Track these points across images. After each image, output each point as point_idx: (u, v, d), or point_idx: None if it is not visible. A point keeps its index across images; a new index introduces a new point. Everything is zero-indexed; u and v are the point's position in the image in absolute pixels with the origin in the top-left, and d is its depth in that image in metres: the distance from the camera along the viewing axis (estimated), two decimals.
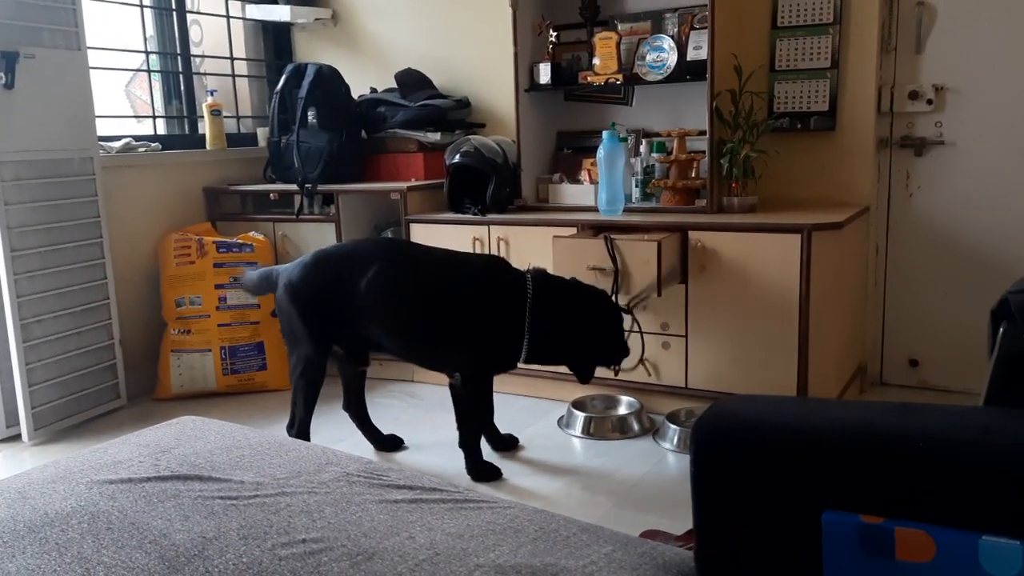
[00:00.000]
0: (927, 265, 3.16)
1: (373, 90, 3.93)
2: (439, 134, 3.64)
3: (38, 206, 2.98)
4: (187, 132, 4.02)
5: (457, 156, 3.34)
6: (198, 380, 3.45)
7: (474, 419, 2.63)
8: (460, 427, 2.60)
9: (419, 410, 3.25)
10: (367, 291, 2.51)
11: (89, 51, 3.17)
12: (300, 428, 2.65)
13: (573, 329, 2.55)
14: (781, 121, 3.18)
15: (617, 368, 2.79)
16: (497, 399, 3.06)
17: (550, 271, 2.67)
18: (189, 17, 4.04)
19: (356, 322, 2.57)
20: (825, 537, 0.98)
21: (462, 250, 2.74)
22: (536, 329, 2.51)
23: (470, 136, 3.49)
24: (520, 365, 2.62)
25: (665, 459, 2.70)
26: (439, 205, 3.50)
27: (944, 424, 1.01)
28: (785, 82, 3.20)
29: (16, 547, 1.22)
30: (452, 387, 2.60)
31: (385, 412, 3.21)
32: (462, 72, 3.84)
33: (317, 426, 2.86)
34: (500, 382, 3.25)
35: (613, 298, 2.72)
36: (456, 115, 3.77)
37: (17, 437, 3.01)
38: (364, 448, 2.81)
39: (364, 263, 2.55)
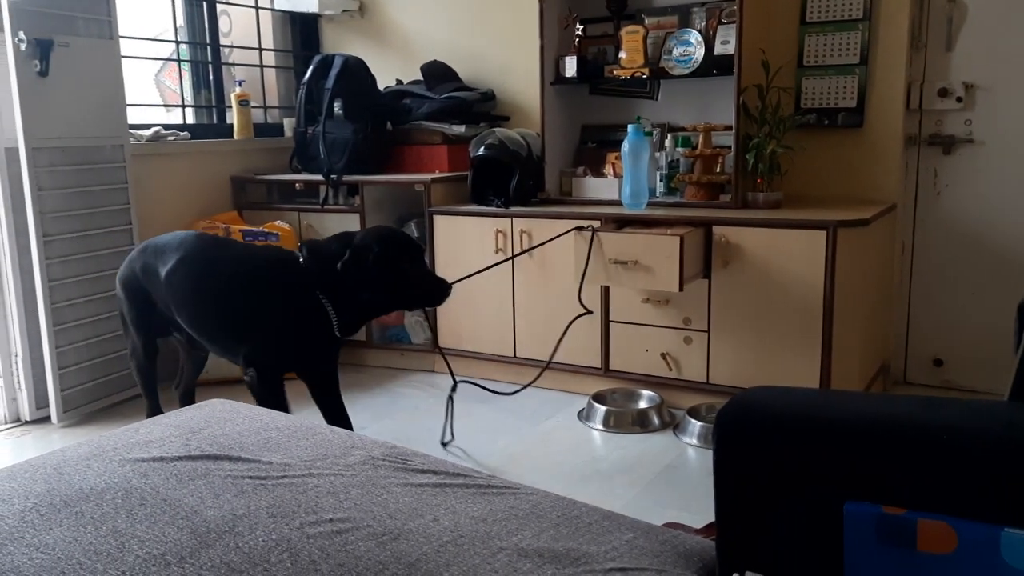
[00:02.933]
0: (953, 264, 3.14)
1: (399, 82, 3.95)
2: (464, 126, 3.66)
3: (70, 192, 3.03)
4: (215, 121, 4.07)
5: (481, 148, 3.36)
6: (223, 366, 3.48)
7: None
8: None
9: (439, 400, 3.27)
10: (166, 282, 2.54)
11: (121, 40, 3.22)
12: (149, 412, 2.74)
13: (365, 272, 2.38)
14: (808, 117, 3.17)
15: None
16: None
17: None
18: (218, 7, 4.09)
19: (168, 311, 2.60)
20: (846, 527, 0.99)
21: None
22: (335, 294, 2.39)
23: (495, 129, 3.51)
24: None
25: (685, 454, 2.70)
26: (463, 197, 3.51)
27: (968, 417, 1.02)
28: (813, 78, 3.18)
29: (53, 520, 1.25)
30: (248, 383, 2.49)
31: (406, 401, 3.25)
32: (488, 65, 3.86)
33: None
34: (521, 375, 3.28)
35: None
36: (481, 108, 3.79)
37: (47, 419, 3.08)
38: (387, 436, 2.84)
39: (169, 254, 2.56)
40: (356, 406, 2.98)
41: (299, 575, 1.10)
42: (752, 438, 1.07)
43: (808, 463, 1.04)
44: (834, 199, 3.17)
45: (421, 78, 3.80)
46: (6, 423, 3.09)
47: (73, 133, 3.04)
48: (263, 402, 2.45)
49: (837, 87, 3.14)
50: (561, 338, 3.02)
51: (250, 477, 1.39)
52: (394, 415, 3.09)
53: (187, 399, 2.91)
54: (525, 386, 2.98)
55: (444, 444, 2.77)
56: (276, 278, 2.46)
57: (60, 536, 1.21)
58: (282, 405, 2.50)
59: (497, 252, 3.30)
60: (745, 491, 1.08)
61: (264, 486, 1.36)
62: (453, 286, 2.53)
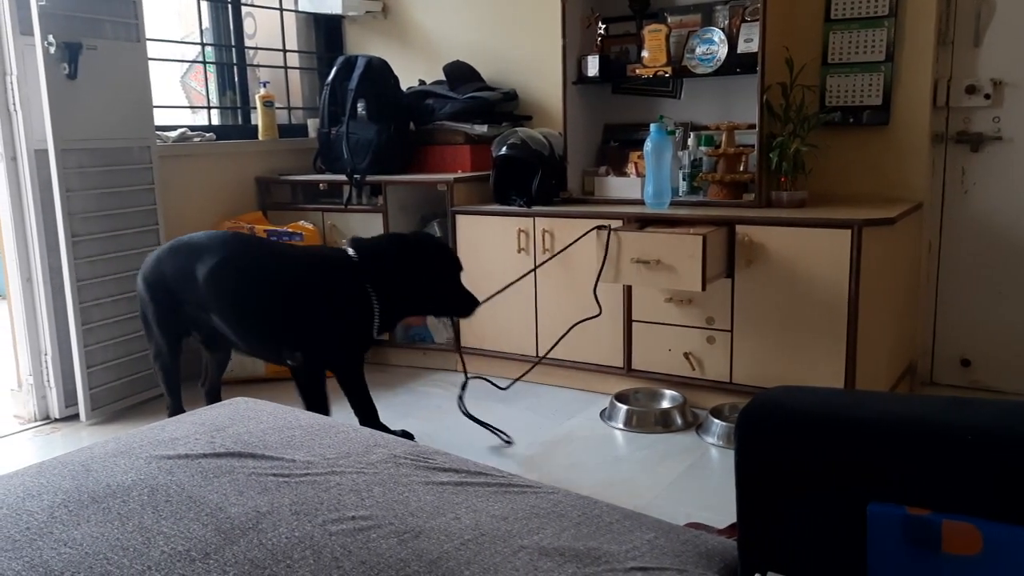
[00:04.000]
0: (981, 263, 3.09)
1: (422, 82, 3.97)
2: (486, 126, 3.66)
3: (98, 193, 3.08)
4: (240, 123, 4.11)
5: (504, 148, 3.36)
6: (247, 365, 3.53)
7: (318, 397, 2.67)
8: (314, 409, 2.62)
9: None
10: (205, 282, 2.57)
11: (148, 43, 3.26)
12: (171, 411, 2.78)
13: (414, 274, 2.61)
14: (833, 115, 3.14)
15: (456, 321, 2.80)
16: (540, 391, 3.07)
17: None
18: (243, 10, 4.12)
19: (201, 311, 2.64)
20: (870, 528, 0.98)
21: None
22: (381, 290, 2.56)
23: (517, 128, 3.51)
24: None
25: (708, 453, 2.69)
26: (485, 197, 3.52)
27: (993, 418, 1.00)
28: (837, 75, 3.15)
29: (81, 516, 1.27)
30: (293, 369, 2.64)
31: (428, 400, 3.26)
32: (510, 65, 3.86)
33: None
34: (543, 374, 3.28)
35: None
36: (503, 107, 3.79)
37: (75, 417, 3.12)
38: (416, 434, 2.85)
39: (207, 254, 2.59)
40: (379, 405, 2.98)
41: (321, 572, 1.11)
42: (774, 437, 1.07)
43: (831, 463, 1.03)
44: (859, 198, 3.14)
45: (444, 78, 3.82)
46: (36, 420, 3.15)
47: (101, 135, 3.08)
48: (308, 386, 2.62)
49: (862, 85, 3.11)
50: (562, 337, 3.07)
51: (274, 475, 1.40)
52: (416, 414, 3.10)
53: (213, 396, 2.94)
54: (515, 380, 3.08)
55: (508, 443, 2.80)
56: (335, 274, 2.59)
57: (87, 531, 1.23)
58: (323, 391, 2.65)
59: (519, 252, 3.30)
60: (767, 491, 1.08)
61: (287, 483, 1.37)
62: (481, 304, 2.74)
